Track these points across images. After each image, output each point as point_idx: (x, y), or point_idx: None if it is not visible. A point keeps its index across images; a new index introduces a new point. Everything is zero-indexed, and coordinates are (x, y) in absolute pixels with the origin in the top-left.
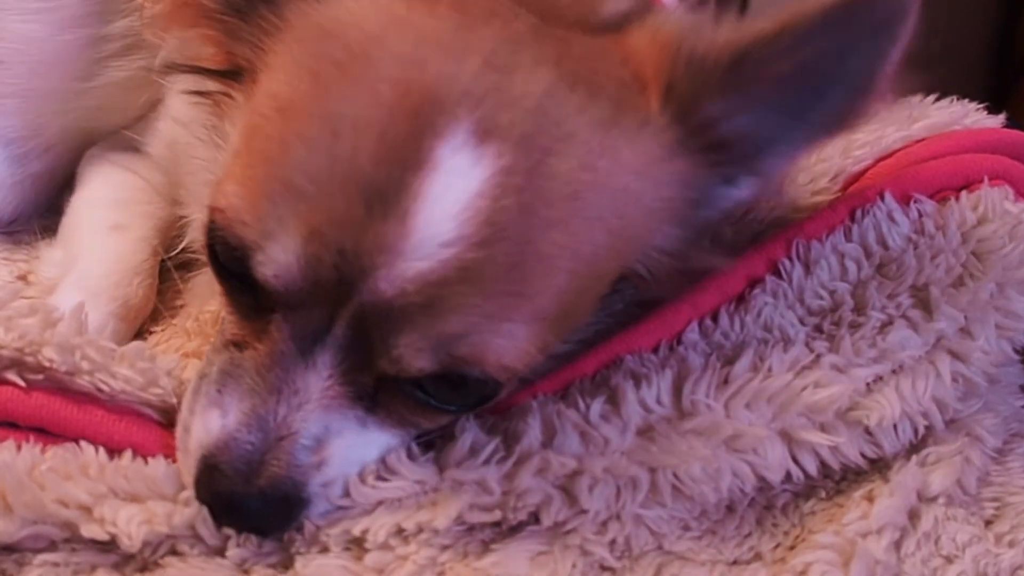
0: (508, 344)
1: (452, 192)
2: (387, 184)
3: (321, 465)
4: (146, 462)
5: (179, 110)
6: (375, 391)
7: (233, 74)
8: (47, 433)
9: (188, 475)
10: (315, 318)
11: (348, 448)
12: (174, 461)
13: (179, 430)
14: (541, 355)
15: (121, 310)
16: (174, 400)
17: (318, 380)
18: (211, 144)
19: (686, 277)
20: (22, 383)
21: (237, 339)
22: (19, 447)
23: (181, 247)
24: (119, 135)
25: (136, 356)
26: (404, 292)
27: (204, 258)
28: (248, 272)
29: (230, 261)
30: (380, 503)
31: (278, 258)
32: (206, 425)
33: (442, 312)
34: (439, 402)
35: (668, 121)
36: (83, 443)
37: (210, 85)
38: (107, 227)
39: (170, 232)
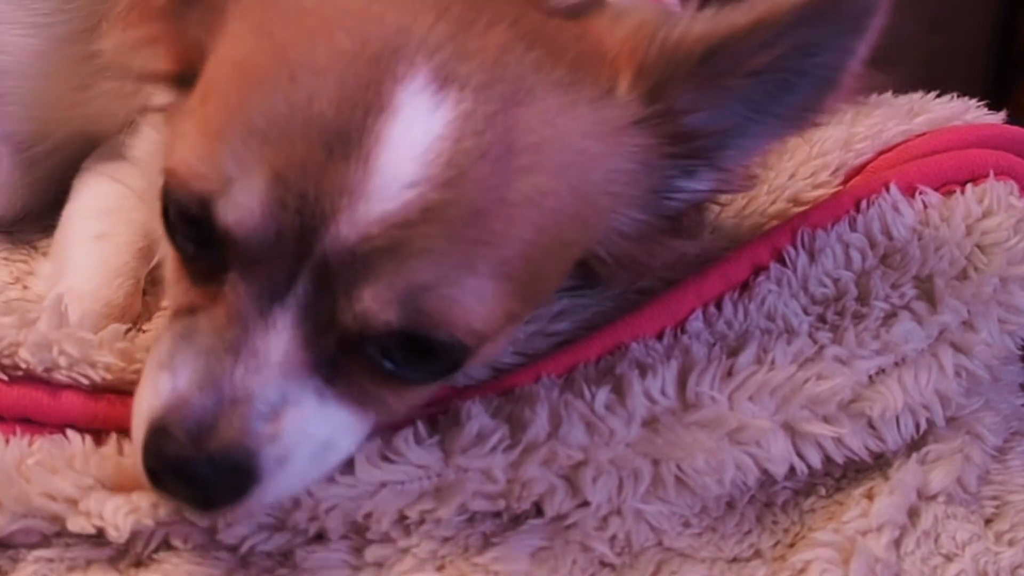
0: (475, 303)
1: (413, 134)
2: (347, 127)
3: (275, 437)
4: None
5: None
6: (336, 357)
7: (190, 78)
8: (33, 422)
9: (138, 445)
10: (275, 274)
11: (303, 421)
12: None
13: (134, 405)
14: (509, 322)
15: (104, 309)
16: None
17: (278, 342)
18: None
19: (644, 266)
20: (4, 377)
21: (189, 305)
22: (7, 440)
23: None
24: (108, 146)
25: (114, 339)
26: (368, 236)
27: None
28: (208, 223)
29: (185, 220)
30: (383, 485)
31: (241, 202)
32: (155, 388)
33: (407, 257)
34: (403, 369)
35: (634, 99)
36: (70, 433)
37: (174, 96)
38: (91, 237)
39: (156, 232)
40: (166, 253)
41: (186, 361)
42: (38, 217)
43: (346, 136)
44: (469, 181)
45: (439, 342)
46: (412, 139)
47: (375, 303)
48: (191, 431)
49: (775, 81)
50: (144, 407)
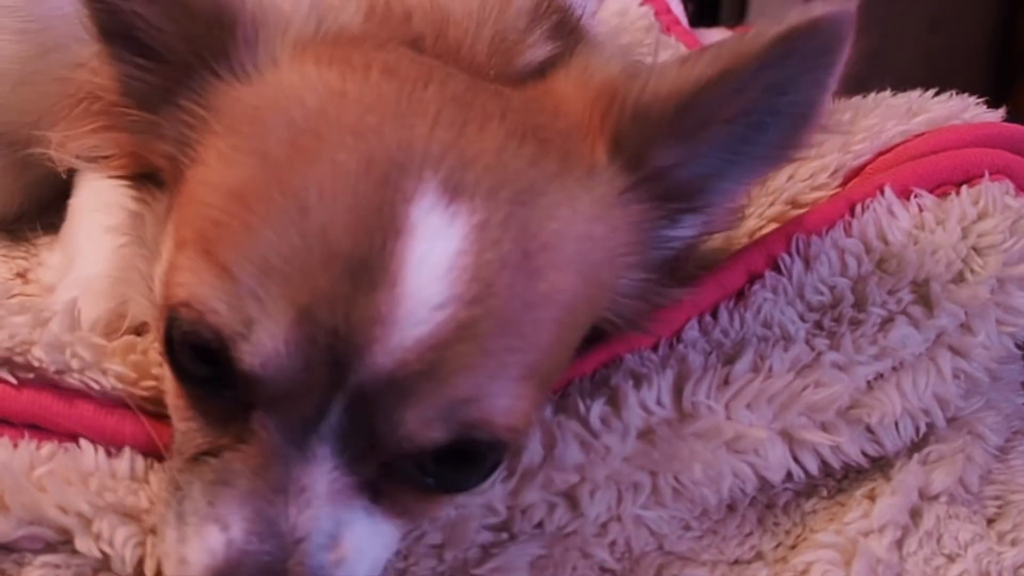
0: (510, 403)
1: (435, 253)
2: (368, 255)
3: (339, 563)
4: (145, 461)
5: (90, 196)
6: (377, 479)
7: (146, 177)
8: (41, 429)
9: None
10: (305, 407)
11: (361, 540)
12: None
13: (170, 566)
14: (536, 413)
15: (121, 307)
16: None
17: (322, 473)
18: (136, 230)
19: (647, 318)
20: (13, 380)
21: (209, 448)
22: (15, 445)
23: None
24: None
25: (127, 350)
26: (405, 362)
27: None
28: (227, 362)
29: (197, 360)
30: None
31: (265, 344)
32: (206, 545)
33: (446, 376)
34: (443, 482)
35: (617, 170)
36: (83, 443)
37: (125, 192)
38: (101, 228)
39: None
40: (168, 384)
41: (232, 509)
42: (35, 216)
43: (368, 264)
44: (495, 294)
45: (482, 444)
46: (434, 258)
47: (418, 424)
48: None
49: (750, 124)
50: (198, 566)
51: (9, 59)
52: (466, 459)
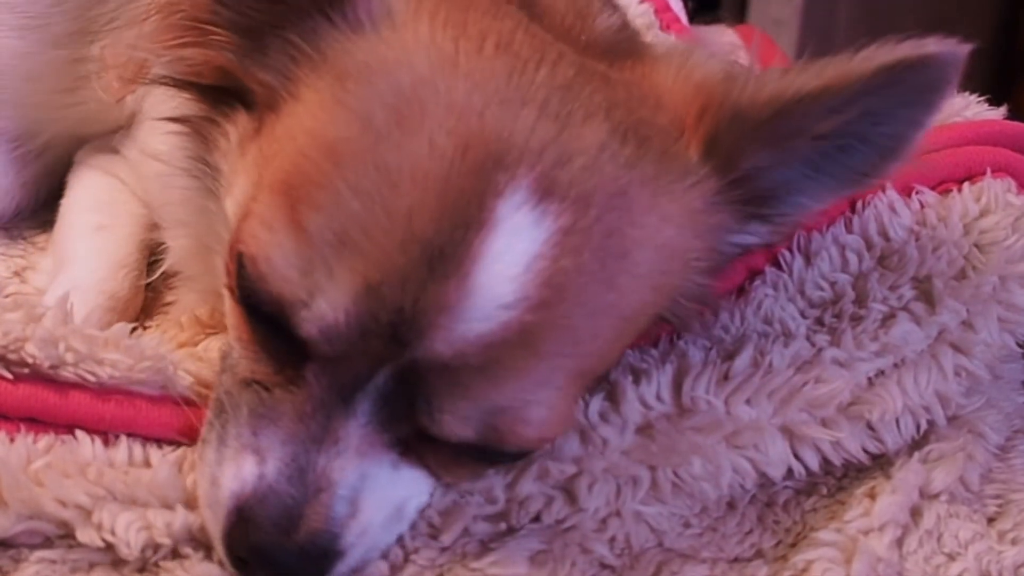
0: (547, 413)
1: (513, 253)
2: (448, 243)
3: (355, 514)
4: (144, 450)
5: (148, 142)
6: (410, 438)
7: (230, 93)
8: (38, 422)
9: (215, 527)
10: (357, 367)
11: (381, 492)
12: (168, 440)
13: (203, 483)
14: (572, 414)
15: (109, 302)
16: (163, 366)
17: (357, 427)
18: (195, 175)
19: (696, 316)
20: (9, 376)
21: (262, 380)
22: (12, 439)
23: (160, 272)
24: (101, 139)
25: (120, 336)
26: (462, 354)
27: (227, 292)
28: (286, 325)
29: (262, 310)
30: None
31: (326, 315)
32: (240, 472)
33: (496, 377)
34: (475, 456)
35: (708, 173)
36: (79, 434)
37: (195, 108)
38: (92, 228)
39: (155, 227)
40: (230, 310)
41: (272, 447)
42: (33, 214)
43: (446, 252)
44: (564, 300)
45: (508, 453)
46: (512, 257)
47: (455, 418)
48: (279, 523)
49: (838, 145)
50: (225, 489)
51: (10, 55)
52: (492, 453)
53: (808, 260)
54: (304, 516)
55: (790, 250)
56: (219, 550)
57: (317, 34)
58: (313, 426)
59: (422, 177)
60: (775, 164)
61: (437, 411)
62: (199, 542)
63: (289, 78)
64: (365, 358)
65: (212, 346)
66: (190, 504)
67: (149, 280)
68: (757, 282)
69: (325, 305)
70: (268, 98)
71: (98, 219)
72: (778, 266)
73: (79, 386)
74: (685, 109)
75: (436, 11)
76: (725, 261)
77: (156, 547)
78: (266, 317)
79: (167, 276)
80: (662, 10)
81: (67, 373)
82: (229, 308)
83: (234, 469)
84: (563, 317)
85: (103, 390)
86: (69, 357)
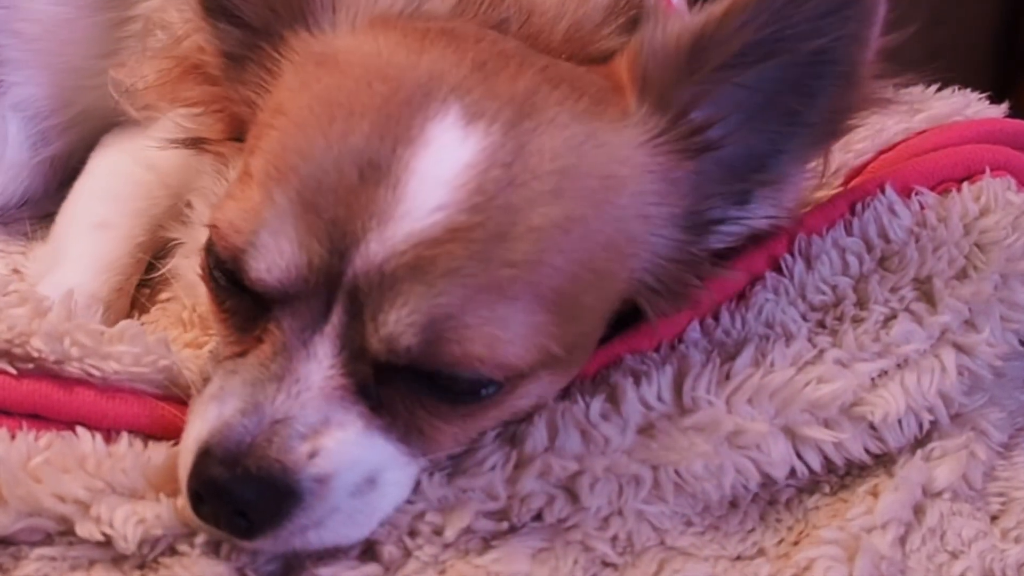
0: (503, 332)
1: (442, 163)
2: (379, 157)
3: (314, 455)
4: (145, 444)
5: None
6: (375, 385)
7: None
8: (41, 418)
9: (183, 473)
10: (313, 306)
11: (346, 443)
12: (171, 441)
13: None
14: (547, 362)
15: (86, 301)
16: (168, 362)
17: (319, 368)
18: (214, 180)
19: (694, 291)
20: (13, 371)
21: (237, 352)
22: (13, 436)
23: (162, 271)
24: (131, 125)
25: (126, 332)
26: (395, 253)
27: (201, 279)
28: (241, 277)
29: (225, 273)
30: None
31: (268, 247)
32: (204, 418)
33: (434, 278)
34: (440, 394)
35: (646, 113)
36: (80, 431)
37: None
38: (91, 224)
39: (162, 227)
40: (207, 302)
41: (233, 391)
42: (36, 206)
43: (377, 164)
44: (495, 206)
45: (462, 379)
46: (441, 167)
47: (398, 326)
48: (231, 451)
49: (791, 85)
50: (192, 437)
51: (50, 21)
52: (446, 378)
53: (809, 264)
54: (255, 444)
55: (791, 254)
56: (184, 497)
57: (285, 42)
58: (274, 368)
59: (358, 108)
60: (709, 96)
61: (382, 325)
62: (195, 536)
63: (265, 87)
64: (316, 294)
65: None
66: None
67: (150, 277)
68: (758, 287)
69: (266, 235)
70: (252, 114)
71: (102, 214)
72: (779, 271)
73: (84, 382)
74: (623, 69)
75: (395, 26)
76: (732, 234)
77: (154, 542)
78: (229, 283)
79: (165, 273)
80: None
81: (72, 368)
82: (206, 297)
83: (200, 420)
84: (495, 222)
85: (107, 386)
86: (74, 352)
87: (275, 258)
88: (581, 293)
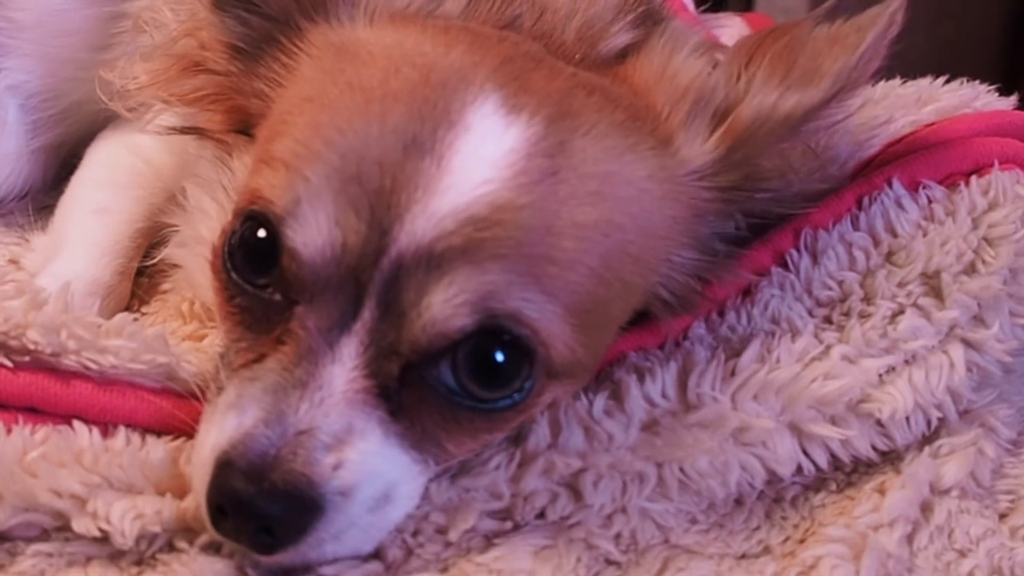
0: (544, 319)
1: (486, 144)
2: (422, 135)
3: (338, 467)
4: (143, 439)
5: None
6: (400, 387)
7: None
8: (37, 412)
9: (200, 485)
10: (341, 301)
11: (368, 454)
12: (169, 436)
13: (194, 457)
14: (571, 365)
15: (89, 287)
16: (166, 359)
17: (342, 371)
18: (215, 169)
19: (699, 298)
20: (9, 364)
21: (254, 357)
22: (8, 430)
23: (159, 258)
24: (128, 120)
25: (123, 325)
26: (443, 231)
27: (211, 269)
28: (273, 250)
29: (249, 256)
30: None
31: (307, 218)
32: (222, 427)
33: (481, 260)
34: (467, 391)
35: (702, 150)
36: (77, 425)
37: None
38: (92, 210)
39: (162, 213)
40: (218, 305)
41: (254, 399)
42: (35, 198)
43: (420, 142)
44: (540, 191)
45: (508, 340)
46: (485, 148)
47: (447, 307)
48: (254, 463)
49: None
50: (208, 447)
51: (44, 11)
52: (489, 366)
53: (815, 259)
54: (280, 458)
55: (797, 249)
56: (203, 512)
57: (302, 32)
58: (297, 373)
59: (392, 92)
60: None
61: (425, 308)
62: (195, 533)
63: (279, 79)
64: (347, 286)
65: (216, 341)
66: (182, 492)
67: (146, 264)
68: (763, 282)
69: (306, 206)
70: (264, 107)
71: (102, 200)
72: (784, 266)
73: (81, 375)
74: (670, 107)
75: (413, 22)
76: (728, 249)
77: (151, 538)
78: (245, 274)
79: (163, 263)
80: None
81: (69, 361)
82: (214, 293)
83: (217, 430)
84: (539, 208)
85: (104, 380)
86: (71, 344)
87: (313, 233)
88: (607, 301)
